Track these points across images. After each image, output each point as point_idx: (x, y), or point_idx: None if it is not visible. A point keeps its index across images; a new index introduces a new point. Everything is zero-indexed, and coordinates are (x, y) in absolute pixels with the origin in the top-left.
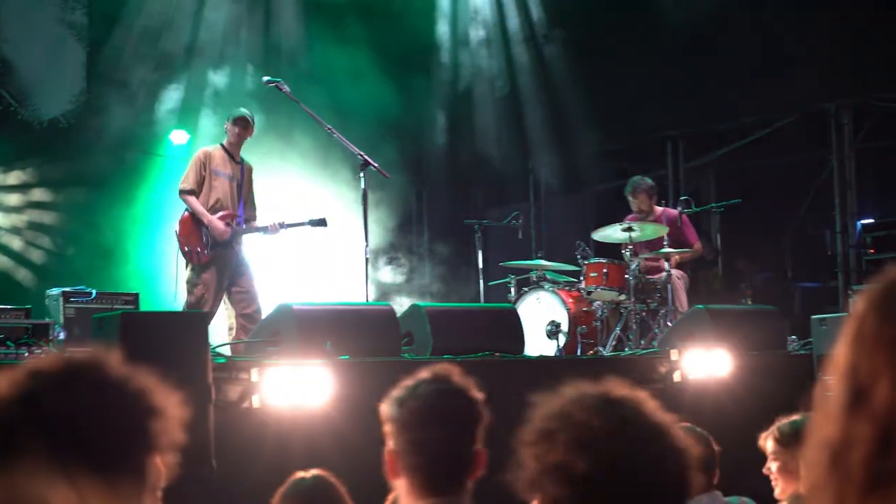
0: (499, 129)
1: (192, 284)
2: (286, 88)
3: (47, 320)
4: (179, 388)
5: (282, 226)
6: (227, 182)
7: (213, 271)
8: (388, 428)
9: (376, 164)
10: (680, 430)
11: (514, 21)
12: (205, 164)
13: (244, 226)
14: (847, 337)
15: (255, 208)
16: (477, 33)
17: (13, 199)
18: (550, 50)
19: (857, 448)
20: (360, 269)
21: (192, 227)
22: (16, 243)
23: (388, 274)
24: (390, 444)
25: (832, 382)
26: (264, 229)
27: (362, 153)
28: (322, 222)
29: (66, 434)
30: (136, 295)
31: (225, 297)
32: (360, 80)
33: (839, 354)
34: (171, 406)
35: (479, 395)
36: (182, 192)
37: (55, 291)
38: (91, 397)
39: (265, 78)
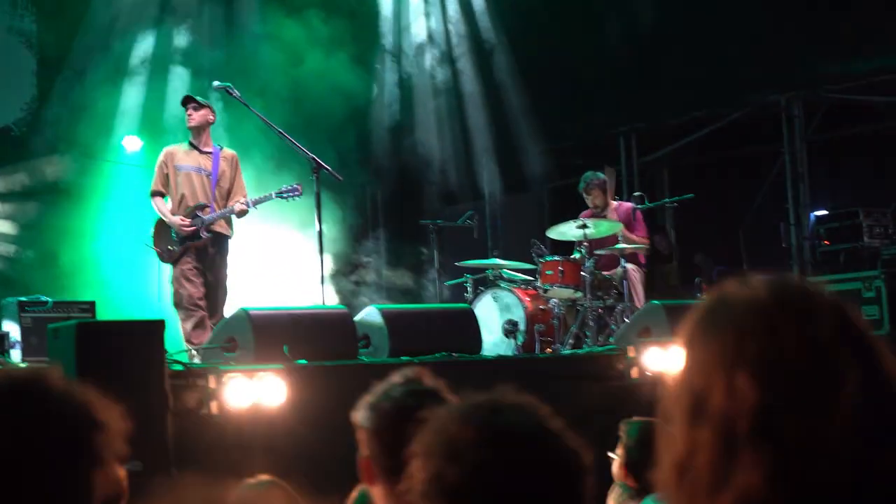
0: (449, 127)
1: (173, 281)
2: (236, 93)
3: (3, 330)
4: (136, 396)
5: (250, 204)
6: (193, 174)
7: (188, 263)
8: (361, 434)
9: (329, 168)
10: (570, 436)
11: (457, 22)
12: (165, 163)
13: (209, 215)
14: (682, 351)
15: (244, 194)
16: (420, 33)
17: None
18: (499, 47)
19: (701, 454)
20: (317, 273)
21: (162, 227)
22: None
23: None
24: (364, 450)
25: (674, 395)
26: (229, 211)
27: (314, 156)
28: (293, 191)
29: (9, 453)
30: (93, 303)
31: None
32: (310, 78)
33: (677, 368)
34: (115, 418)
35: (451, 396)
36: (151, 196)
37: (11, 301)
38: (33, 413)
39: (215, 83)
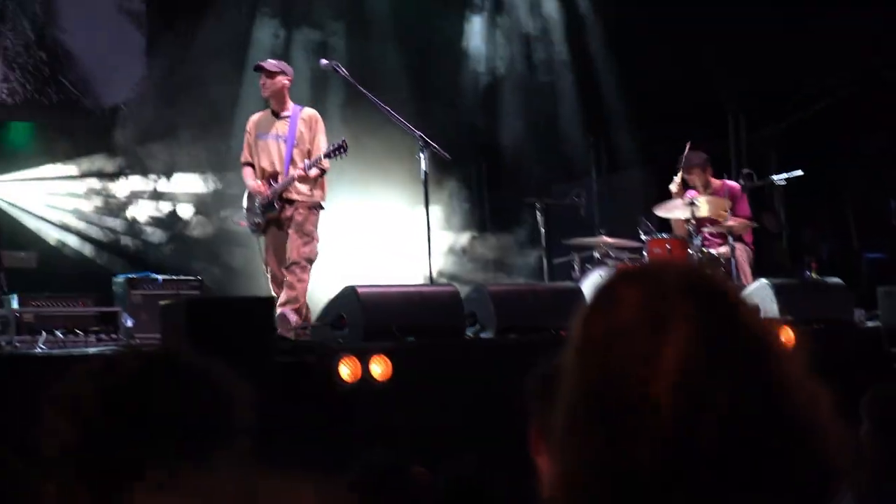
0: (558, 103)
1: (263, 252)
2: (343, 71)
3: (115, 308)
4: (246, 373)
5: (306, 168)
6: (271, 142)
7: (269, 236)
8: (533, 405)
9: (436, 146)
10: None
11: None
12: (250, 132)
13: (278, 184)
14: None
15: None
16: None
17: (78, 186)
18: (609, 21)
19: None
20: (424, 251)
21: (249, 199)
22: (82, 231)
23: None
24: (534, 420)
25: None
26: (291, 180)
27: (422, 134)
28: (340, 148)
29: (146, 427)
30: (201, 280)
31: None
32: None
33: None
34: (244, 393)
35: None
36: (241, 167)
37: (121, 278)
38: (166, 389)
39: (322, 61)
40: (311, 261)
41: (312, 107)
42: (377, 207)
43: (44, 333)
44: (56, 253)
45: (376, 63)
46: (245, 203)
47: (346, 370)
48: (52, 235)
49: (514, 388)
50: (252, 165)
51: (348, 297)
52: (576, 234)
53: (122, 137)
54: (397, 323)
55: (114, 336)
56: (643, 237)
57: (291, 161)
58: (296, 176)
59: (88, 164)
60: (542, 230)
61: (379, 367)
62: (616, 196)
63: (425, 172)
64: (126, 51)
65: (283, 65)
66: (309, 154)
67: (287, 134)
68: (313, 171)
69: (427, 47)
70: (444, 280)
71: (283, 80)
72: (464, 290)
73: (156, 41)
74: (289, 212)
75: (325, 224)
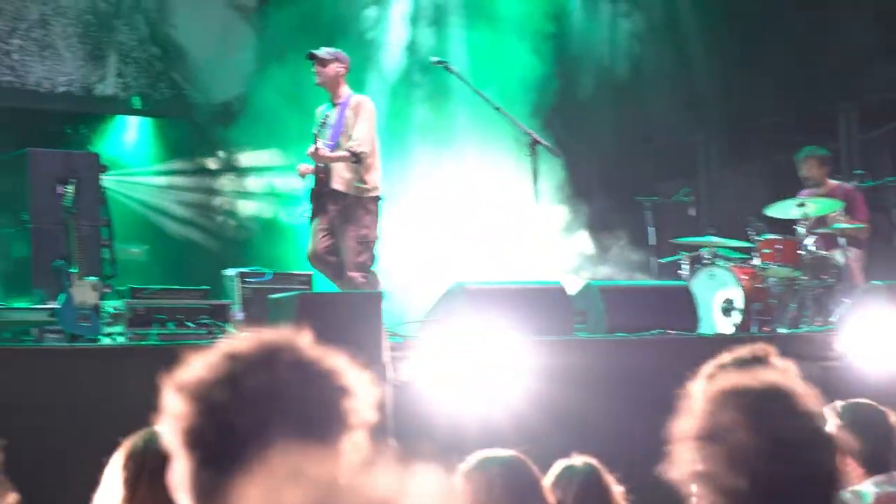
0: (666, 100)
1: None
2: (454, 69)
3: (225, 301)
4: (358, 366)
5: (328, 151)
6: (326, 131)
7: (314, 222)
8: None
9: (546, 143)
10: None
11: None
12: (315, 122)
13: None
14: None
15: (356, 139)
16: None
17: (188, 180)
18: (718, 18)
19: None
20: (532, 248)
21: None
22: (193, 224)
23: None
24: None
25: None
26: (319, 155)
27: (531, 131)
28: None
29: (272, 413)
30: (310, 275)
31: None
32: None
33: None
34: (363, 385)
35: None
36: None
37: (231, 272)
38: (290, 376)
39: (433, 58)
40: (367, 267)
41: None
42: (485, 204)
43: (156, 325)
44: (167, 246)
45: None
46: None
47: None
48: (163, 229)
49: (623, 385)
50: None
51: (456, 293)
52: (684, 232)
53: (231, 132)
54: (505, 319)
55: (224, 328)
56: (753, 237)
57: (336, 147)
58: (325, 154)
59: (199, 158)
60: (650, 228)
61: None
62: (725, 195)
63: (534, 170)
64: (236, 46)
65: (339, 53)
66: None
67: (335, 121)
68: (333, 154)
69: None
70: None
71: (336, 68)
72: (573, 288)
73: (265, 37)
74: (335, 206)
75: (435, 220)
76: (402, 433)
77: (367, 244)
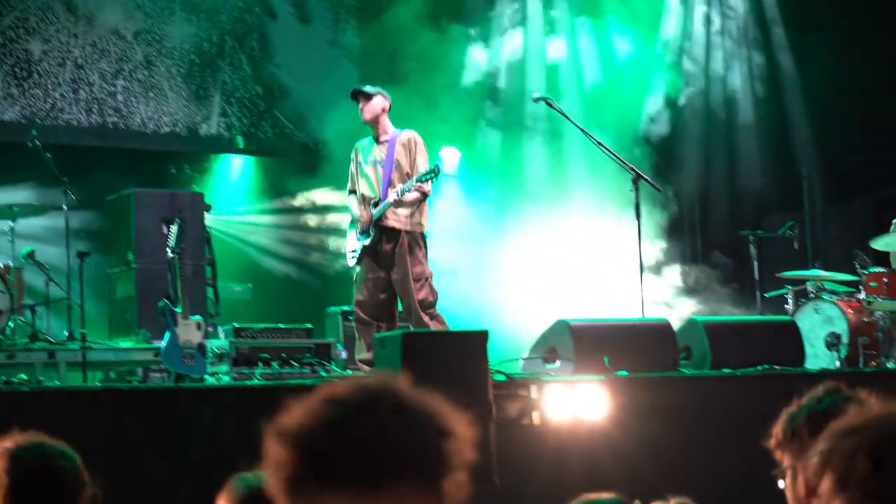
0: (767, 136)
1: (356, 286)
2: (556, 105)
3: (329, 340)
4: (461, 406)
5: (399, 193)
6: (371, 168)
7: (364, 267)
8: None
9: (648, 178)
10: None
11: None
12: (353, 159)
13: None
14: None
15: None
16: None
17: (292, 219)
18: (817, 50)
19: None
20: (635, 283)
21: (351, 227)
22: (296, 263)
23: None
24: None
25: None
26: (387, 204)
27: (634, 167)
28: (433, 172)
29: (372, 459)
30: None
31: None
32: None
33: None
34: (462, 426)
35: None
36: (348, 195)
37: (335, 310)
38: (391, 421)
39: (535, 95)
40: (432, 304)
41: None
42: (587, 239)
43: (260, 364)
44: (270, 285)
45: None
46: (349, 233)
47: (560, 403)
48: (266, 267)
49: (727, 421)
50: (356, 193)
51: (560, 330)
52: (789, 266)
53: (334, 170)
54: (610, 356)
55: (328, 367)
56: (859, 271)
57: (390, 186)
58: (392, 200)
59: (302, 196)
60: (755, 262)
61: (592, 401)
62: (831, 228)
63: (637, 204)
64: (339, 84)
65: (381, 90)
66: (409, 178)
67: (385, 158)
68: (410, 196)
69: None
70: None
71: (382, 104)
72: (676, 324)
73: (368, 74)
74: (389, 244)
75: (536, 256)
76: (506, 473)
77: (425, 280)
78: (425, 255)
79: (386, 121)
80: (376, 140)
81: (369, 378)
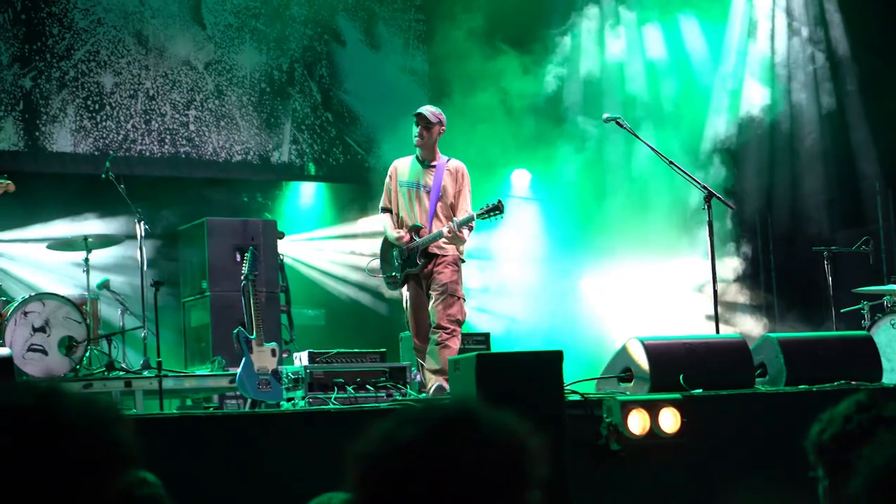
0: (846, 149)
1: (406, 312)
2: (626, 124)
3: (403, 363)
4: (536, 426)
5: (456, 226)
6: (413, 191)
7: (410, 292)
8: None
9: (721, 196)
10: None
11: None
12: (391, 177)
13: (421, 238)
14: None
15: (467, 211)
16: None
17: (365, 244)
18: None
19: None
20: (709, 301)
21: (386, 250)
22: (369, 288)
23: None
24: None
25: None
26: (438, 235)
27: (706, 185)
28: (496, 209)
29: (451, 480)
30: (488, 335)
31: None
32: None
33: None
34: (536, 445)
35: None
36: (380, 212)
37: (407, 334)
38: (468, 442)
39: (605, 115)
40: (460, 323)
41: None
42: (658, 257)
43: (336, 389)
44: (344, 309)
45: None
46: (381, 253)
47: (636, 422)
48: (339, 292)
49: (805, 439)
50: (391, 212)
51: (635, 349)
52: (864, 282)
53: None
54: (685, 374)
55: (403, 391)
56: None
57: (435, 215)
58: (445, 233)
59: (373, 221)
60: (830, 278)
61: (668, 420)
62: None
63: (709, 222)
64: (409, 110)
65: (442, 115)
66: (453, 209)
67: (433, 185)
68: (464, 232)
69: None
70: (730, 330)
71: (439, 131)
72: (751, 341)
73: (438, 99)
74: (429, 267)
75: (610, 275)
76: (581, 493)
77: (458, 298)
78: (460, 282)
79: (436, 146)
80: (422, 163)
81: (446, 403)
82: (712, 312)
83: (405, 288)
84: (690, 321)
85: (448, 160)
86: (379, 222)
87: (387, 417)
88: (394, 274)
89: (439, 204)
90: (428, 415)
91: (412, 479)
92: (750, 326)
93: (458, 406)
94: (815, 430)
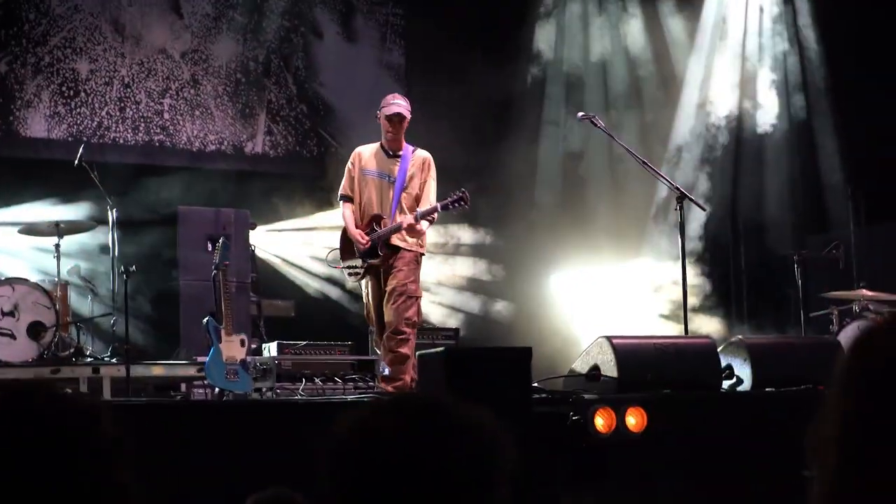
0: (814, 152)
1: (365, 304)
2: (601, 123)
3: (372, 357)
4: (503, 422)
5: (417, 217)
6: (377, 180)
7: (370, 284)
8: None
9: (693, 197)
10: None
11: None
12: (353, 165)
13: (382, 229)
14: None
15: (431, 203)
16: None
17: (336, 236)
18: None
19: None
20: (667, 302)
21: (346, 241)
22: (339, 280)
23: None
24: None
25: None
26: (396, 227)
27: (679, 186)
28: (461, 199)
29: (426, 470)
30: (457, 329)
31: None
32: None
33: None
34: (507, 443)
35: None
36: (340, 200)
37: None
38: (444, 432)
39: (580, 114)
40: (415, 325)
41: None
42: (628, 258)
43: (303, 381)
44: (313, 302)
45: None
46: (341, 243)
47: (601, 421)
48: (309, 285)
49: (770, 442)
50: (351, 200)
51: (602, 348)
52: (834, 287)
53: None
54: (652, 374)
55: (370, 384)
56: None
57: (399, 205)
58: (405, 225)
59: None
60: (799, 282)
61: (634, 419)
62: (876, 248)
63: (681, 224)
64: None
65: (408, 104)
66: (417, 200)
67: (398, 175)
68: (422, 224)
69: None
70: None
71: (408, 119)
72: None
73: (414, 94)
74: (389, 261)
75: (578, 275)
76: (546, 489)
77: (416, 299)
78: (418, 279)
79: (402, 136)
80: (387, 152)
81: (418, 392)
82: (668, 313)
83: (365, 280)
84: (648, 321)
85: (414, 150)
86: (338, 214)
87: (357, 408)
88: (353, 264)
89: (403, 194)
90: (403, 405)
91: (387, 468)
92: (717, 329)
93: (431, 397)
94: (813, 430)
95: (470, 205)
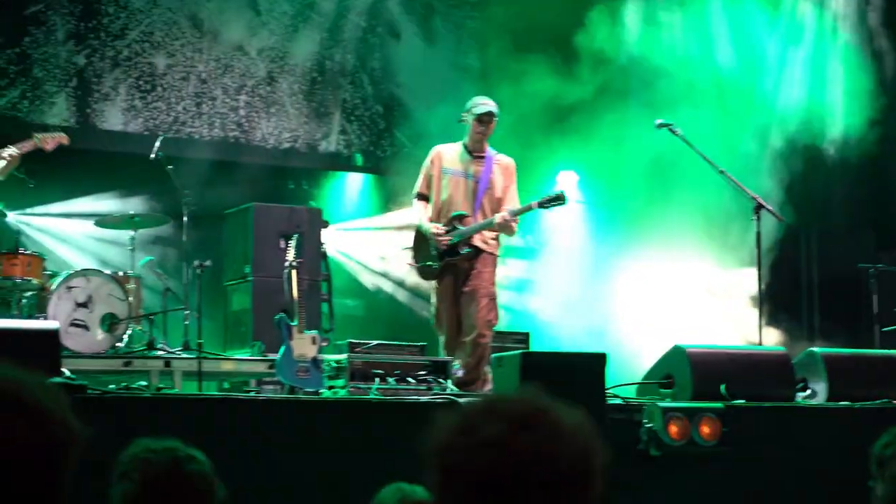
0: (890, 164)
1: (434, 297)
2: (679, 131)
3: (446, 358)
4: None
5: (512, 213)
6: (460, 180)
7: (444, 283)
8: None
9: (770, 208)
10: None
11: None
12: (433, 163)
13: (467, 226)
14: None
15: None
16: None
17: (402, 238)
18: None
19: None
20: (753, 312)
21: (421, 239)
22: (410, 280)
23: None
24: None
25: None
26: (488, 223)
27: (756, 196)
28: (558, 198)
29: (533, 475)
30: (527, 334)
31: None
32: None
33: None
34: (599, 445)
35: None
36: (414, 198)
37: None
38: (551, 437)
39: (658, 121)
40: (493, 325)
41: None
42: (706, 266)
43: (377, 380)
44: (385, 301)
45: None
46: (414, 241)
47: (675, 429)
48: (382, 284)
49: (844, 455)
50: (426, 199)
51: (677, 357)
52: None
53: None
54: (727, 384)
55: (443, 385)
56: None
57: (481, 206)
58: (497, 220)
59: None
60: (875, 296)
61: (707, 429)
62: None
63: (758, 234)
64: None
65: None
66: (499, 202)
67: (482, 177)
68: (514, 223)
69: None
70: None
71: (496, 120)
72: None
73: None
74: (471, 260)
75: (652, 281)
76: (618, 498)
77: (493, 299)
78: (495, 282)
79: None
80: (470, 153)
81: (518, 395)
82: (748, 322)
83: (439, 280)
84: (725, 331)
85: (496, 154)
86: (412, 212)
87: (453, 410)
88: (429, 263)
89: (485, 196)
90: (508, 409)
91: (497, 474)
92: (778, 340)
93: (536, 401)
94: (880, 443)
95: (566, 203)
